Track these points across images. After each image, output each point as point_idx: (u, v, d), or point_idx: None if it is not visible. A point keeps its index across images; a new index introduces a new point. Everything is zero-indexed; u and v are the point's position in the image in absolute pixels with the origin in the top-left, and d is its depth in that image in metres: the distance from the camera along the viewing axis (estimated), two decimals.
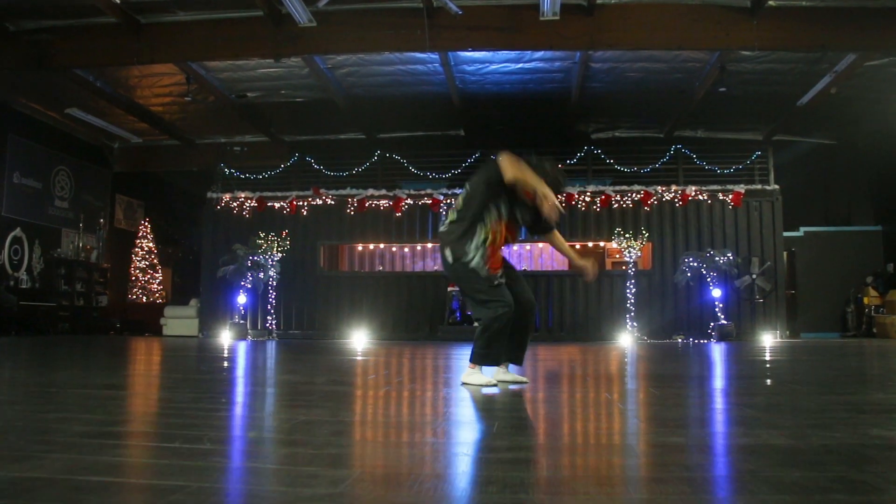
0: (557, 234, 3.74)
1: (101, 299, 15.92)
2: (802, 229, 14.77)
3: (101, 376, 3.99)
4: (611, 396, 3.00)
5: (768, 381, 3.84)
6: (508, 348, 3.56)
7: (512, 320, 3.44)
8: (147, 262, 17.15)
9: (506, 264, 3.62)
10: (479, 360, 3.43)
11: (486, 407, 2.73)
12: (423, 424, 2.14)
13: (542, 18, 9.90)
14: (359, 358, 6.37)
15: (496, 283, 3.38)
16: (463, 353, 7.01)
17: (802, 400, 2.85)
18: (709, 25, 10.09)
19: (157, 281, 17.28)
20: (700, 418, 2.36)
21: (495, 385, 3.35)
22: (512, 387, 3.36)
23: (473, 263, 3.36)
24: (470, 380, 3.41)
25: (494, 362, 3.49)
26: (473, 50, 10.92)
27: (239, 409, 2.62)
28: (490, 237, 3.41)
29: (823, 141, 15.75)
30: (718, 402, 2.84)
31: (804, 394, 3.08)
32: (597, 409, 2.70)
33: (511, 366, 3.70)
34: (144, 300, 16.77)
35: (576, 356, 6.94)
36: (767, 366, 5.48)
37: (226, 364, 5.39)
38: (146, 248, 17.19)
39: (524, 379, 3.58)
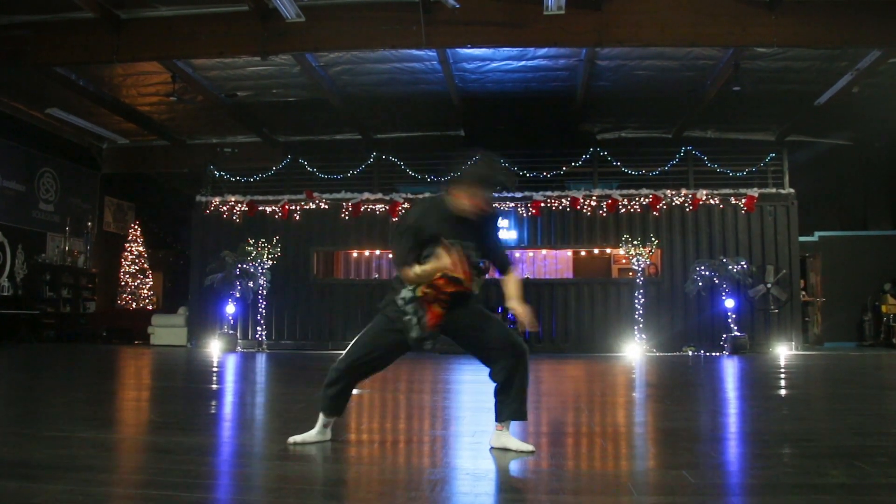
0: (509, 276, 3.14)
1: (89, 305, 15.39)
2: (817, 234, 14.12)
3: None
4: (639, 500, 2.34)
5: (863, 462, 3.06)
6: (508, 402, 3.03)
7: (504, 369, 3.00)
8: (137, 267, 16.61)
9: (478, 311, 3.10)
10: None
11: None
12: None
13: (546, 13, 9.30)
14: None
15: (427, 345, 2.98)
16: (462, 379, 6.42)
17: None
18: (724, 21, 9.52)
19: (148, 286, 16.73)
20: None
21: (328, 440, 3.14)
22: (513, 467, 2.75)
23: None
24: (299, 437, 3.14)
25: (334, 412, 3.17)
26: (473, 46, 10.33)
27: None
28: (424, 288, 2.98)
29: (839, 142, 15.14)
30: None
31: None
32: None
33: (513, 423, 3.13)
34: (134, 306, 16.21)
35: (581, 385, 6.33)
36: (828, 403, 4.85)
37: (175, 409, 4.79)
38: (136, 252, 16.65)
39: (528, 448, 2.97)
